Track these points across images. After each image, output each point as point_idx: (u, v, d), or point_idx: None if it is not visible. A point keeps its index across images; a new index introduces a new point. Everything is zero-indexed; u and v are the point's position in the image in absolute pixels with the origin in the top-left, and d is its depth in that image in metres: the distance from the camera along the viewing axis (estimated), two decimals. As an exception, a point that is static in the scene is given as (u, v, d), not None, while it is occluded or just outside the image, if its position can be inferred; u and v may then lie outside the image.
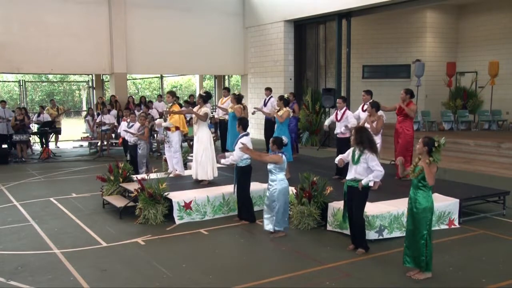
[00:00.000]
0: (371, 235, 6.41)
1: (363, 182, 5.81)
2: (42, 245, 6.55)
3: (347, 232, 6.66)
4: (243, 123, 7.47)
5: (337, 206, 6.91)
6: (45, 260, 5.98)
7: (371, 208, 6.54)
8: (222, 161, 7.50)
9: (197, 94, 22.40)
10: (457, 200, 7.26)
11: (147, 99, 17.87)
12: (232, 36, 19.02)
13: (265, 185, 7.41)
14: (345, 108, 9.35)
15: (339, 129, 9.25)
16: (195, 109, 8.96)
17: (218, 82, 22.16)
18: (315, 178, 7.23)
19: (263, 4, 18.21)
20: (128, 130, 10.43)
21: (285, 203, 6.70)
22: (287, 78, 17.64)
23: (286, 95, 10.19)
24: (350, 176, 5.98)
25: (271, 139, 6.82)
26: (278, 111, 9.50)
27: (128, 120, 10.83)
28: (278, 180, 6.63)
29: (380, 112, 8.73)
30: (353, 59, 17.04)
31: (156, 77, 25.07)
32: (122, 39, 16.65)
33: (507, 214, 7.72)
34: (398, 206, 6.77)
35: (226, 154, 7.64)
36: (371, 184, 5.92)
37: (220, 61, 18.89)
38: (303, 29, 17.63)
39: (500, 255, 6.00)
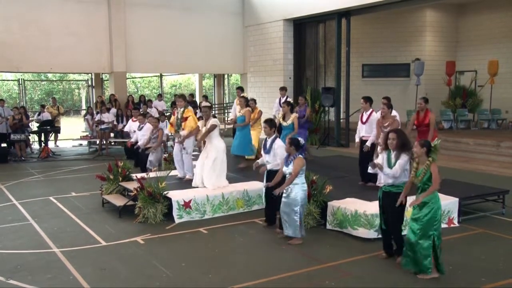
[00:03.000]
0: (371, 234, 6.40)
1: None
2: (42, 244, 6.55)
3: (347, 231, 6.68)
4: (276, 127, 6.98)
5: (336, 205, 6.91)
6: (45, 259, 5.98)
7: (371, 207, 6.53)
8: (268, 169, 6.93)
9: (197, 93, 22.37)
10: (457, 199, 7.26)
11: (146, 98, 17.87)
12: (232, 35, 19.01)
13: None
14: (371, 109, 8.59)
15: (364, 131, 8.62)
16: (200, 123, 8.54)
17: (217, 81, 22.16)
18: (314, 177, 7.22)
19: (263, 3, 18.19)
20: (148, 147, 10.29)
21: (304, 208, 6.51)
22: (286, 77, 17.62)
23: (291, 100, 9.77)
24: (386, 180, 5.68)
25: (287, 141, 6.36)
26: (283, 118, 9.28)
27: (136, 120, 10.78)
28: (300, 184, 6.26)
29: (394, 113, 8.21)
30: (353, 58, 17.03)
31: (156, 76, 25.05)
32: (121, 38, 16.63)
33: (506, 213, 7.72)
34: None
35: (261, 160, 7.21)
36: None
37: (219, 60, 18.88)
38: (303, 28, 17.60)
39: (500, 254, 6.00)
